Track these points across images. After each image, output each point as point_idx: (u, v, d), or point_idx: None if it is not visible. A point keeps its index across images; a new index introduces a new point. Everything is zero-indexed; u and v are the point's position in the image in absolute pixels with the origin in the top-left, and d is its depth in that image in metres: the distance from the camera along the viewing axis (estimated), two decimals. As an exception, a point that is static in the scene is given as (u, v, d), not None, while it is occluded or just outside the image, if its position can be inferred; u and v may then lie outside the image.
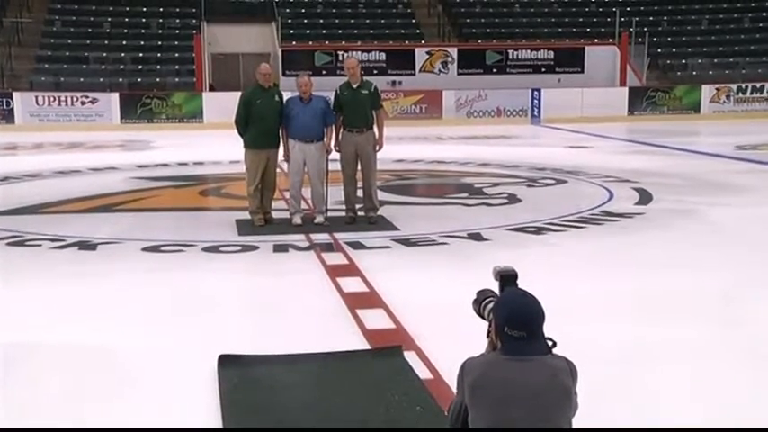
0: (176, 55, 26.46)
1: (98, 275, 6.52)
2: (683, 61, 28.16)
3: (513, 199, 10.13)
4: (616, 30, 26.87)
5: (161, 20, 27.89)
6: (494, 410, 2.43)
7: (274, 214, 8.53)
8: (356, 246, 7.42)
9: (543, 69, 26.43)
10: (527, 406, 2.43)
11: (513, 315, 2.45)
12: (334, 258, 6.98)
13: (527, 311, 2.47)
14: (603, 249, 7.38)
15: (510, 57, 26.55)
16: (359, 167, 8.37)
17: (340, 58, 24.24)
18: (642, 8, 29.79)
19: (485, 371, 2.47)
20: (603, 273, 6.52)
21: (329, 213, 8.45)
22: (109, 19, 27.37)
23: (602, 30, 28.02)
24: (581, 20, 29.42)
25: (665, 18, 29.78)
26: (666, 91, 25.44)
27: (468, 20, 29.12)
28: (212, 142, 17.34)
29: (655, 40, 27.61)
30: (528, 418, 2.41)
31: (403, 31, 28.20)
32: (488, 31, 28.40)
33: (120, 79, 25.26)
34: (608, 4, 29.88)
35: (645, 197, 9.99)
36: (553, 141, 18.61)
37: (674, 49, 28.61)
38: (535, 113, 24.50)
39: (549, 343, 2.47)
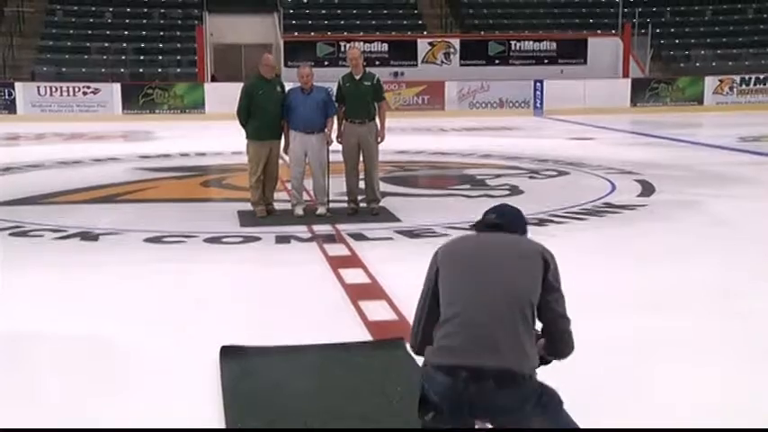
0: (178, 45, 26.43)
1: (100, 266, 6.51)
2: (686, 52, 28.09)
3: (515, 190, 10.11)
4: (619, 21, 26.80)
5: (163, 10, 27.86)
6: (460, 264, 2.69)
7: (276, 205, 8.53)
8: (358, 237, 7.41)
9: (546, 61, 26.39)
10: (493, 255, 2.71)
11: (492, 208, 2.93)
12: (336, 250, 6.97)
13: (504, 207, 2.95)
14: (605, 241, 7.36)
15: (512, 48, 26.51)
16: (361, 159, 8.36)
17: (342, 49, 24.23)
18: (645, -1, 29.73)
19: (456, 241, 2.82)
20: (605, 265, 6.50)
21: (331, 204, 8.44)
22: (111, 9, 27.34)
23: (605, 21, 27.95)
24: (584, 11, 29.35)
25: (669, 9, 29.70)
26: (669, 82, 25.39)
27: (470, 11, 29.06)
28: (214, 133, 17.33)
29: (658, 31, 27.54)
30: (493, 263, 2.66)
31: (405, 22, 28.15)
32: (491, 22, 28.35)
33: (122, 69, 25.24)
34: (611, -5, 29.82)
35: (647, 189, 9.97)
36: (555, 133, 18.57)
37: (677, 41, 28.54)
38: (538, 105, 24.45)
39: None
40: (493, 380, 2.44)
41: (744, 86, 25.34)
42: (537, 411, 2.50)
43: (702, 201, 9.22)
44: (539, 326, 2.69)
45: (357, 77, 8.29)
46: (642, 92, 25.03)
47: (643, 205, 8.94)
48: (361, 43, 24.52)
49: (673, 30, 28.82)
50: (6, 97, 22.60)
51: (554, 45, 26.58)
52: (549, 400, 2.56)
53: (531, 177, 11.25)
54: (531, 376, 2.52)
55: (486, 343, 2.49)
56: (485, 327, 2.52)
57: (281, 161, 8.50)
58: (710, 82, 25.27)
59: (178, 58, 26.06)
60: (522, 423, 2.50)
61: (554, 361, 2.77)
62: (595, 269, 6.32)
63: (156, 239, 7.40)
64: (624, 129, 19.32)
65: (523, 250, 2.73)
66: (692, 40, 28.43)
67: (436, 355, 2.55)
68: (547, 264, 2.67)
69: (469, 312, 2.56)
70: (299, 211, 8.29)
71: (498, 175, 11.40)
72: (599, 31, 27.31)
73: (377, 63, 23.70)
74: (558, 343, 2.70)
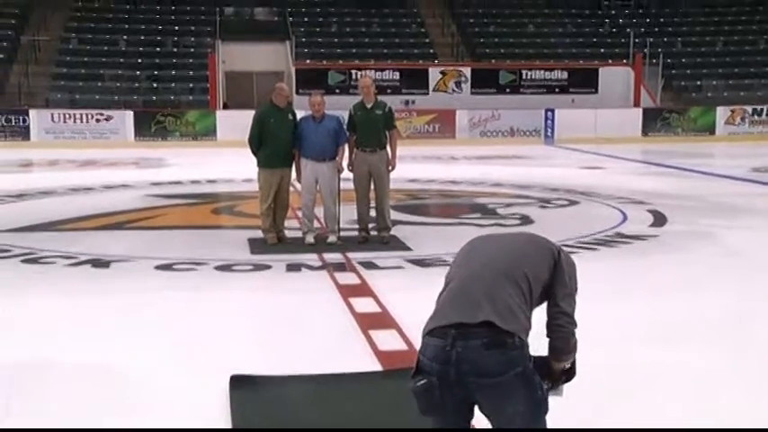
0: (191, 73, 26.65)
1: (111, 293, 6.54)
2: (698, 82, 28.12)
3: (525, 220, 10.11)
4: (630, 50, 26.89)
5: (176, 38, 28.12)
6: (470, 248, 2.81)
7: (287, 233, 8.55)
8: (369, 266, 7.42)
9: (557, 89, 26.47)
10: (501, 238, 2.84)
11: None
12: (347, 278, 6.98)
13: None
14: (617, 272, 7.34)
15: (524, 77, 26.61)
16: (372, 187, 8.39)
17: (354, 77, 24.37)
18: (657, 29, 29.81)
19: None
20: (617, 296, 6.48)
21: (342, 233, 8.46)
22: (125, 37, 27.62)
23: (616, 50, 28.04)
24: (595, 40, 29.47)
25: (680, 39, 29.77)
26: (681, 112, 25.40)
27: (481, 39, 29.21)
28: (225, 160, 17.42)
29: (669, 61, 27.60)
30: (497, 245, 2.77)
31: (417, 51, 28.31)
32: (502, 50, 28.48)
33: (135, 97, 25.44)
34: (622, 24, 29.94)
35: (659, 219, 9.94)
36: (566, 162, 18.60)
37: (688, 71, 28.59)
38: (548, 134, 24.49)
39: None
40: (480, 339, 2.48)
41: (756, 117, 25.33)
42: (520, 382, 2.50)
43: (715, 232, 9.18)
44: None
45: (368, 106, 8.35)
46: (653, 121, 25.05)
47: (655, 236, 8.92)
48: (373, 71, 24.67)
49: (684, 60, 28.88)
50: (21, 124, 22.79)
51: (565, 74, 26.67)
52: (534, 379, 2.55)
53: (541, 207, 11.25)
54: (520, 341, 2.53)
55: (470, 302, 2.56)
56: (471, 289, 2.59)
57: (291, 189, 8.54)
58: (722, 112, 25.27)
59: (190, 85, 26.27)
60: (504, 390, 2.50)
61: (564, 388, 2.76)
62: (606, 300, 6.28)
63: (166, 267, 7.43)
64: (635, 158, 19.32)
65: (535, 237, 2.83)
66: (704, 71, 28.48)
67: (428, 324, 2.64)
68: (558, 256, 2.71)
69: (460, 280, 2.66)
70: (310, 238, 8.32)
71: (509, 204, 11.41)
72: (610, 61, 27.39)
73: (388, 91, 23.83)
74: (556, 341, 2.69)
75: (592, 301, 6.26)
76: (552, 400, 2.68)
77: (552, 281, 2.66)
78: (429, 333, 2.60)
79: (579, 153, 20.36)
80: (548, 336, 2.70)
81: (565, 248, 2.85)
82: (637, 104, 25.89)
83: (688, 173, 15.74)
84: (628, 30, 28.13)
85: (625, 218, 10.08)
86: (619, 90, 26.27)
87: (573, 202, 11.62)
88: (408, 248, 8.19)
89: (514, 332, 2.51)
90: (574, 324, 2.68)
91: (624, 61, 27.01)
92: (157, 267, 7.40)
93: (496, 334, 2.48)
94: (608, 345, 5.07)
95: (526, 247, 2.74)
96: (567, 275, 2.69)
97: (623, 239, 8.67)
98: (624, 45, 27.54)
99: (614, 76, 26.54)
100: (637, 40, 27.24)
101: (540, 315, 2.71)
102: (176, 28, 28.55)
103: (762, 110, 25.37)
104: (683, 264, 7.69)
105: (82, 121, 22.95)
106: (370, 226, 8.53)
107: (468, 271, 2.66)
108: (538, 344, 2.70)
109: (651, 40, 27.56)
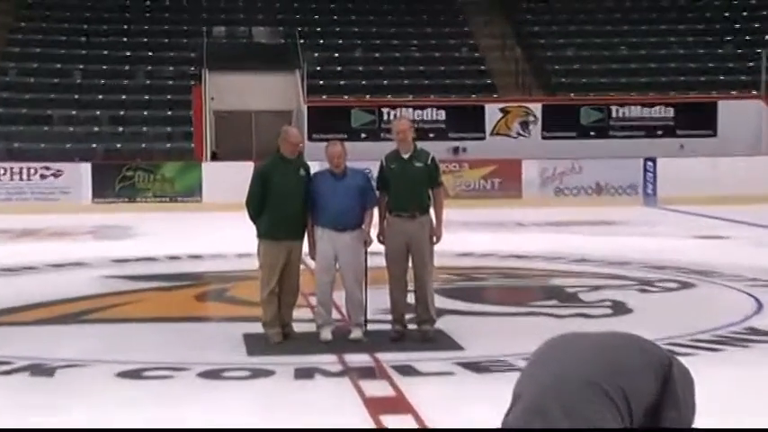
0: (169, 113, 27.03)
1: (56, 410, 6.56)
2: None
3: (620, 309, 10.06)
4: (762, 77, 26.86)
5: (150, 67, 28.55)
6: (545, 350, 2.87)
7: (297, 327, 8.57)
8: (406, 371, 7.40)
9: (659, 132, 26.53)
10: (584, 342, 2.83)
11: None
12: (377, 388, 6.97)
13: None
14: (750, 381, 7.24)
15: (613, 115, 26.75)
16: (410, 264, 8.41)
17: (385, 118, 24.64)
18: (798, 48, 29.85)
19: None
20: (747, 414, 6.37)
21: (369, 326, 8.47)
22: (81, 66, 28.12)
23: (741, 78, 28.04)
24: (711, 65, 29.46)
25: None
26: (835, 161, 25.24)
27: (556, 67, 29.40)
28: (214, 228, 17.58)
29: (815, 91, 27.56)
30: (586, 347, 2.77)
31: (469, 82, 28.56)
32: (584, 80, 28.66)
33: (94, 145, 25.82)
34: (749, 42, 29.90)
35: (807, 308, 9.86)
36: (675, 229, 18.57)
37: (842, 104, 28.49)
38: (649, 191, 24.47)
39: None
40: None
41: None
42: None
43: None
44: None
45: (405, 156, 8.41)
46: (795, 173, 24.91)
47: (801, 331, 8.83)
48: (411, 110, 24.93)
49: (837, 90, 28.82)
50: (-60, 182, 23.18)
51: (670, 111, 26.75)
52: None
53: (641, 291, 11.21)
54: None
55: (548, 424, 2.54)
56: (549, 408, 2.57)
57: (302, 267, 8.58)
58: None
59: (168, 129, 26.64)
60: None
61: None
62: (732, 420, 6.19)
63: (132, 374, 7.45)
64: (772, 224, 19.20)
65: (637, 340, 2.82)
66: None
67: None
68: (669, 367, 2.69)
69: (534, 394, 2.65)
70: (327, 334, 8.32)
71: (596, 288, 11.37)
72: (734, 92, 27.41)
73: (431, 136, 24.04)
74: None
75: (714, 420, 6.17)
76: None
77: (659, 401, 2.64)
78: None
79: (692, 217, 20.29)
80: None
81: (676, 350, 2.84)
82: (772, 150, 25.85)
83: None
84: (758, 50, 28.14)
85: (759, 306, 10.00)
86: (746, 131, 26.23)
87: (685, 285, 11.56)
88: (460, 347, 8.18)
89: None
90: None
91: (753, 92, 27.03)
92: (120, 375, 7.42)
93: None
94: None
95: (624, 352, 2.72)
96: (681, 395, 2.66)
97: (757, 336, 8.58)
98: (752, 71, 27.56)
99: (739, 113, 26.54)
100: (770, 64, 27.28)
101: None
102: (150, 54, 29.08)
103: None
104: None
105: (22, 178, 23.31)
106: (408, 317, 8.52)
107: (544, 382, 2.65)
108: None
109: (791, 63, 27.59)
